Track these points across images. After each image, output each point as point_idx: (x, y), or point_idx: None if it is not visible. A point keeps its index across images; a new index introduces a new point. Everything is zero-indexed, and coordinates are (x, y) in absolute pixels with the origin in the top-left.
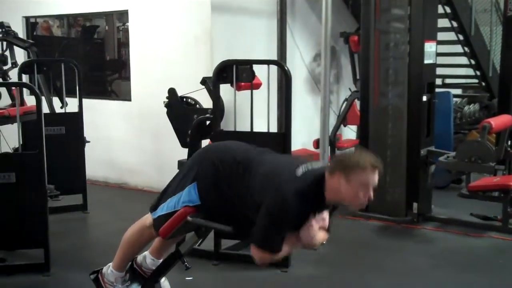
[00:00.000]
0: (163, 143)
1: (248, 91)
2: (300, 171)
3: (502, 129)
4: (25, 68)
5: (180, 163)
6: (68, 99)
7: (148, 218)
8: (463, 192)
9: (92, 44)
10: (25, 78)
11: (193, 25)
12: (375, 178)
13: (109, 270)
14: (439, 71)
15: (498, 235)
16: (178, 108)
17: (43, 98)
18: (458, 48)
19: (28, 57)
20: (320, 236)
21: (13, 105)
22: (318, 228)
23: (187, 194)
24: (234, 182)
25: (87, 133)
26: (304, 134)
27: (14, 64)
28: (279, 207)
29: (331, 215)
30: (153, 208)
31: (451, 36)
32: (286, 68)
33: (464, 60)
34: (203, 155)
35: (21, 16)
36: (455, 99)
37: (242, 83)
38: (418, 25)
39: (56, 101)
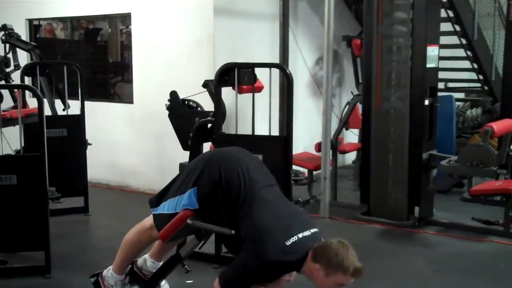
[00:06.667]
0: (165, 146)
1: (250, 94)
2: (291, 240)
3: (505, 133)
4: (27, 70)
5: (182, 166)
6: (70, 102)
7: (148, 221)
8: (465, 196)
9: (95, 46)
10: (27, 80)
11: (195, 28)
12: (351, 280)
13: (109, 273)
14: (442, 74)
15: (499, 239)
16: (180, 111)
17: (45, 100)
18: (461, 52)
19: (31, 59)
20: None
21: (15, 107)
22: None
23: (187, 198)
24: (231, 204)
25: (89, 135)
26: (306, 138)
27: (17, 66)
28: (257, 268)
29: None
30: (154, 204)
31: (454, 40)
32: (288, 71)
33: (467, 64)
34: (207, 161)
35: (24, 19)
36: (457, 103)
37: (244, 86)
38: (421, 29)
39: (58, 103)
